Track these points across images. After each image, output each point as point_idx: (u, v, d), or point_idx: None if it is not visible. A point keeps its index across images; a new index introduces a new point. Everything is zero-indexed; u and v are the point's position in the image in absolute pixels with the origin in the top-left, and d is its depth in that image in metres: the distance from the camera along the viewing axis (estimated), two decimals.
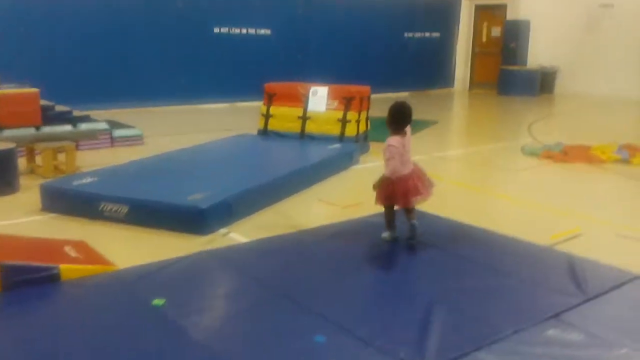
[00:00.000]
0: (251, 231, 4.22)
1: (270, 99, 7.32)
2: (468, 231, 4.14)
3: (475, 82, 15.98)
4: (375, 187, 3.75)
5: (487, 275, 3.35)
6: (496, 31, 15.48)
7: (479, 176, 6.53)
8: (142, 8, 10.59)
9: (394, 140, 3.64)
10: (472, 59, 16.01)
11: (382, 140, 7.77)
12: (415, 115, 10.89)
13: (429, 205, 4.65)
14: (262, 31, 12.19)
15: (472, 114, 12.88)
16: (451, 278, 3.32)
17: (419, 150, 7.32)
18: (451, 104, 13.92)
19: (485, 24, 15.74)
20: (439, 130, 9.24)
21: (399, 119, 3.72)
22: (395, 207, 3.84)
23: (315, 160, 5.98)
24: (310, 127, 7.06)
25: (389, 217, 3.86)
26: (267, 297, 3.05)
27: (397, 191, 3.69)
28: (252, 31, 12.04)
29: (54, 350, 2.53)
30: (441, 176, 6.18)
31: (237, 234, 4.17)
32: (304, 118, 7.08)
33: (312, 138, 6.98)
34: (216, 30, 11.57)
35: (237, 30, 11.84)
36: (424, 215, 4.33)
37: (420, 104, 12.79)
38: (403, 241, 3.83)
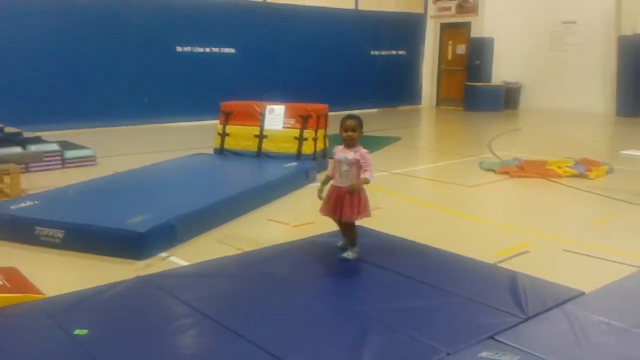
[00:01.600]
0: (194, 254, 4.09)
1: (226, 117, 7.24)
2: (412, 249, 4.07)
3: (441, 99, 16.12)
4: (354, 190, 3.62)
5: (428, 294, 3.28)
6: (461, 48, 15.65)
7: (434, 192, 6.51)
8: (101, 26, 10.44)
9: (365, 149, 3.69)
10: (438, 76, 16.15)
11: None
12: (380, 132, 10.93)
13: (378, 223, 4.61)
14: (227, 50, 12.13)
15: (436, 130, 12.94)
16: (391, 298, 3.23)
17: (379, 167, 7.31)
18: (417, 120, 13.98)
19: (450, 42, 15.90)
20: (401, 147, 9.23)
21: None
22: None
23: (269, 178, 5.88)
24: (267, 146, 6.98)
25: (354, 231, 3.84)
26: (198, 325, 2.93)
27: (355, 201, 3.69)
28: (216, 50, 11.97)
29: None
30: (396, 192, 6.14)
31: (179, 258, 4.03)
32: (261, 136, 7.00)
33: (269, 156, 6.89)
34: (179, 49, 11.48)
35: (200, 49, 11.75)
36: (368, 232, 4.27)
37: (386, 120, 12.87)
38: (344, 262, 3.77)
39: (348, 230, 3.81)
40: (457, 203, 5.90)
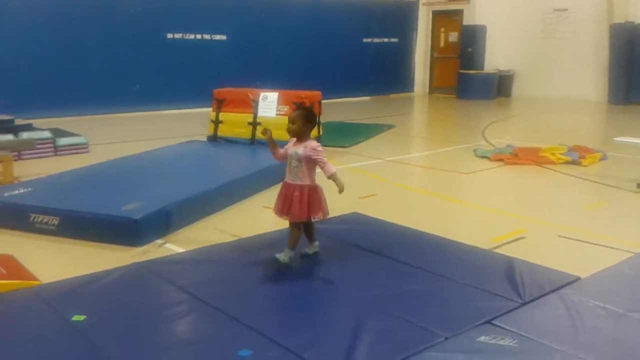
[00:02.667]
0: (190, 241, 4.09)
1: (219, 105, 7.20)
2: (407, 234, 4.08)
3: (434, 87, 16.10)
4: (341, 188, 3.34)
5: (424, 279, 3.29)
6: (453, 36, 15.62)
7: (428, 179, 6.52)
8: (92, 13, 10.35)
9: (316, 142, 3.43)
10: (431, 63, 16.12)
11: (337, 145, 7.76)
12: (373, 120, 10.96)
13: (373, 209, 4.62)
14: (218, 37, 12.05)
15: (430, 117, 12.95)
16: (387, 283, 3.24)
17: (373, 154, 7.32)
18: (410, 108, 13.97)
19: (442, 29, 15.87)
20: (394, 135, 9.22)
21: (315, 122, 3.52)
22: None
23: (263, 166, 5.85)
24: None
25: (298, 234, 3.51)
26: (194, 310, 2.93)
27: (311, 201, 3.39)
28: (207, 37, 11.89)
29: None
30: (390, 179, 6.15)
31: (174, 245, 4.03)
32: (254, 124, 6.97)
33: (263, 144, 6.84)
34: (169, 36, 11.38)
35: (191, 36, 11.67)
36: (363, 218, 4.28)
37: (379, 108, 12.86)
38: (340, 248, 3.75)
39: (298, 229, 3.49)
40: (452, 190, 5.92)
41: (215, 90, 7.37)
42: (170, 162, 6.05)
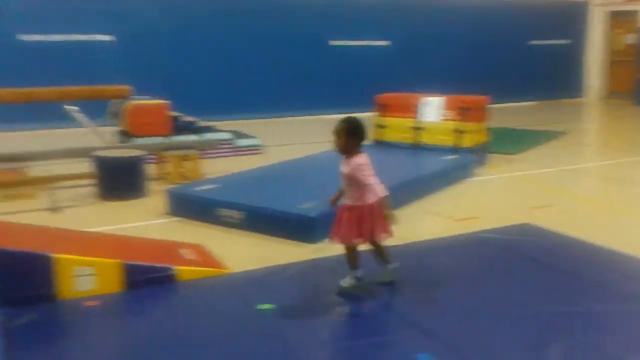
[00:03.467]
0: None
1: (382, 109, 7.32)
2: (588, 250, 3.85)
3: (610, 92, 14.92)
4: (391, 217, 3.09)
5: (610, 299, 3.09)
6: (631, 38, 14.36)
7: (610, 192, 6.05)
8: (264, 25, 11.08)
9: (362, 158, 3.06)
10: (605, 67, 14.96)
11: (503, 151, 7.48)
12: (541, 126, 10.42)
13: (550, 222, 4.41)
14: (380, 42, 12.23)
15: (605, 125, 12.04)
16: (567, 300, 3.09)
17: (545, 163, 6.99)
18: (582, 114, 13.10)
19: (618, 31, 14.66)
20: (567, 142, 8.70)
21: (363, 135, 3.11)
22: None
23: (428, 171, 5.86)
24: (424, 138, 6.94)
25: (354, 255, 3.21)
26: (373, 309, 3.02)
27: (365, 222, 3.06)
28: (369, 43, 12.12)
29: (156, 345, 2.70)
30: (568, 191, 5.83)
31: None
32: (417, 128, 6.98)
33: (425, 149, 6.85)
34: (332, 42, 11.79)
35: (353, 43, 11.97)
36: (542, 232, 4.09)
37: (547, 114, 12.25)
38: (512, 259, 3.63)
39: (378, 248, 3.24)
40: (638, 205, 5.44)
41: (378, 96, 7.49)
42: (338, 165, 6.24)
